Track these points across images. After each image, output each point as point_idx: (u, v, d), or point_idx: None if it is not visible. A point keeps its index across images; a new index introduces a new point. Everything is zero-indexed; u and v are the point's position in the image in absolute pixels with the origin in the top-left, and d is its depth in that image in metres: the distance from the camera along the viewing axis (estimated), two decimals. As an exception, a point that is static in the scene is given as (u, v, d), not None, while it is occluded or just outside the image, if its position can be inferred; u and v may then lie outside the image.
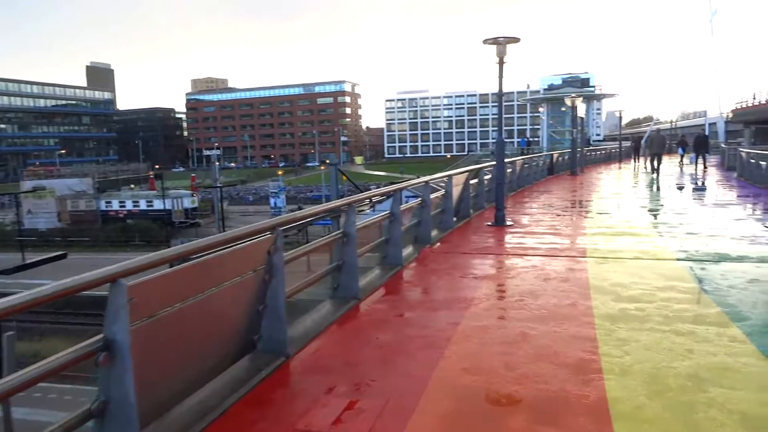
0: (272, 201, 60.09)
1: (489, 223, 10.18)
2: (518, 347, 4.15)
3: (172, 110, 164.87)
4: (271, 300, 3.99)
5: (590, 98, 56.47)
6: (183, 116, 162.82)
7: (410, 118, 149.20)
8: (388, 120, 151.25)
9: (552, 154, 24.10)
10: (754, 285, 5.71)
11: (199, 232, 46.21)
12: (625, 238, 8.50)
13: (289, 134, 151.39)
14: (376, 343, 4.45)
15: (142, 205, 57.07)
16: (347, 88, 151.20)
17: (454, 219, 10.16)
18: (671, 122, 55.43)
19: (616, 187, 19.37)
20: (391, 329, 4.81)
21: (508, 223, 10.11)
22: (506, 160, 17.86)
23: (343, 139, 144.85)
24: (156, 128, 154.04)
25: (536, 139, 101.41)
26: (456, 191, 10.26)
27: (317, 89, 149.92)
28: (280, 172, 72.47)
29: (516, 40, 9.67)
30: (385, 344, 4.41)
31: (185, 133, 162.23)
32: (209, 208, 58.13)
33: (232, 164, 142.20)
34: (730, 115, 54.15)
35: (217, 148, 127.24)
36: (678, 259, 6.91)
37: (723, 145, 34.25)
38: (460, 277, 6.52)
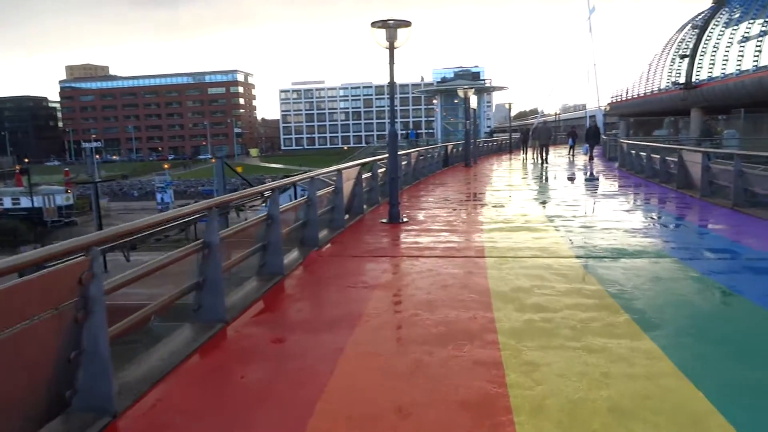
0: (159, 196, 56.39)
1: (383, 221, 9.52)
2: (412, 381, 3.43)
3: (44, 99, 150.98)
4: (89, 344, 2.99)
5: (481, 91, 57.92)
6: (58, 105, 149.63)
7: (306, 110, 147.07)
8: (283, 111, 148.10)
9: (447, 146, 24.05)
10: (656, 284, 5.43)
11: (75, 231, 42.26)
12: (522, 234, 8.14)
13: (179, 125, 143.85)
14: (241, 384, 3.57)
15: (7, 203, 51.36)
16: (240, 78, 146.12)
17: (346, 217, 9.41)
18: (555, 114, 58.32)
19: (509, 178, 19.53)
20: (263, 361, 3.94)
21: (404, 219, 9.50)
22: (401, 152, 17.43)
23: (237, 130, 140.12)
24: (26, 118, 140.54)
25: (431, 131, 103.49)
26: (347, 186, 9.51)
27: (208, 78, 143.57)
28: (166, 166, 68.10)
29: (407, 24, 9.03)
30: (251, 384, 3.54)
31: (60, 124, 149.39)
32: (87, 205, 53.48)
33: (115, 157, 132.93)
34: (608, 107, 57.88)
35: (97, 140, 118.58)
36: (578, 257, 6.58)
37: (604, 137, 36.23)
38: (349, 287, 5.74)
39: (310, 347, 4.13)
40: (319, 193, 7.98)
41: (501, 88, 65.29)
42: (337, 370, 3.62)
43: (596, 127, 27.33)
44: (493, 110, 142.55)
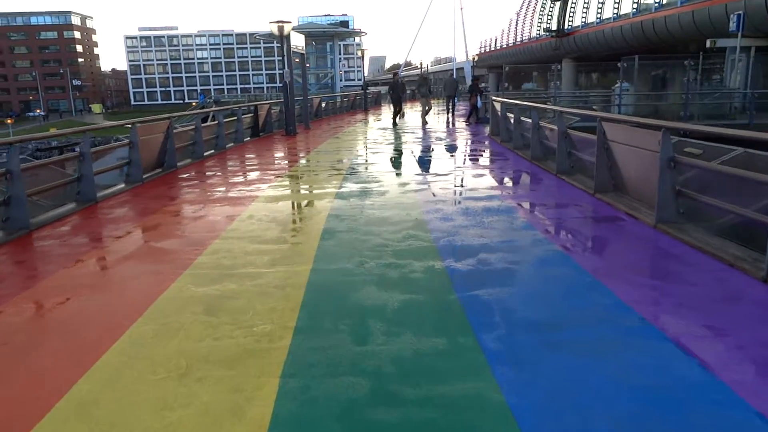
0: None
1: None
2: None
3: None
4: None
5: (333, 36, 50.42)
6: None
7: (159, 59, 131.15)
8: (131, 61, 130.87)
9: (257, 106, 16.88)
10: None
11: None
12: None
13: (1, 77, 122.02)
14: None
15: None
16: (75, 21, 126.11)
17: None
18: (422, 66, 52.91)
19: (335, 158, 13.04)
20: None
21: None
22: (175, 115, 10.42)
23: (76, 82, 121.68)
24: None
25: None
26: None
27: (35, 21, 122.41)
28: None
29: None
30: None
31: None
32: None
33: None
34: (476, 59, 53.53)
35: None
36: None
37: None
38: None
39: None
40: None
41: (358, 33, 58.33)
42: None
43: (452, 79, 25.42)
44: (366, 63, 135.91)
